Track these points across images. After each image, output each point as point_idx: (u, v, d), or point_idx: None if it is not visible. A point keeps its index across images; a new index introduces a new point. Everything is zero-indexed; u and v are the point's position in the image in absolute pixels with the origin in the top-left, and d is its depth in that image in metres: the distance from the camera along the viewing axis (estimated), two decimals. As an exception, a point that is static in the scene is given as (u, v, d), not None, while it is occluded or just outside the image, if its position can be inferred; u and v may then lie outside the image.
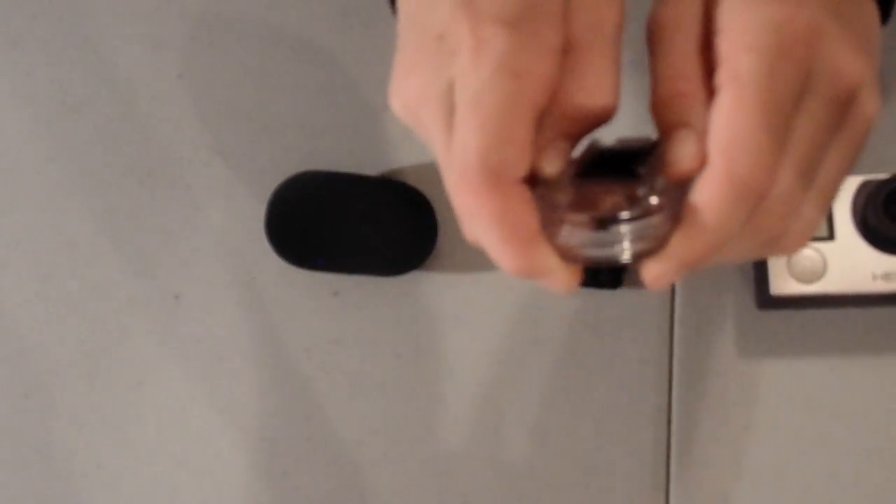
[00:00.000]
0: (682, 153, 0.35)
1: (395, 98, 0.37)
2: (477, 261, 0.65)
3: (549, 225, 0.35)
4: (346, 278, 0.66)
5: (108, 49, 0.68)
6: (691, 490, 0.62)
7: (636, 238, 0.34)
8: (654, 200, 0.34)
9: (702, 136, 0.34)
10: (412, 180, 0.65)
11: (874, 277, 0.59)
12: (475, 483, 0.63)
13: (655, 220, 0.34)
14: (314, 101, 0.66)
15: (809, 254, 0.60)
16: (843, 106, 0.36)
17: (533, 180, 0.35)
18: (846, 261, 0.59)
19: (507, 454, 0.63)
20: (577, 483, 0.63)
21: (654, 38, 0.37)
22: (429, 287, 0.65)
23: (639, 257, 0.35)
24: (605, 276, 0.63)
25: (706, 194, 0.34)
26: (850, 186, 0.60)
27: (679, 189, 0.35)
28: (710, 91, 0.35)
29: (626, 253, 0.35)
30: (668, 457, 0.63)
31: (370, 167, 0.66)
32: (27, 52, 0.70)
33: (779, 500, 0.62)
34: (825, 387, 0.62)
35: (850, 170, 0.37)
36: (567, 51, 0.35)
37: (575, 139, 0.36)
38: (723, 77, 0.34)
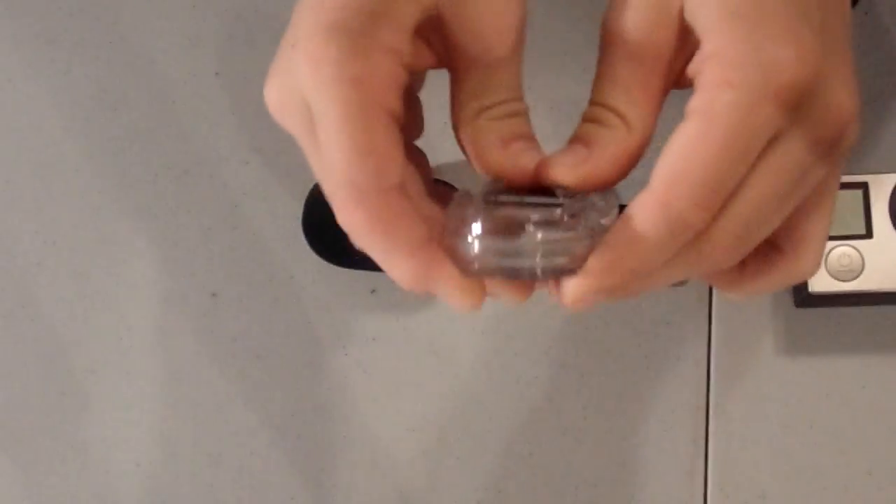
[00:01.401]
0: (558, 162, 0.33)
1: (266, 98, 0.35)
2: (515, 258, 0.65)
3: (457, 234, 0.34)
4: (384, 276, 0.65)
5: (146, 47, 0.68)
6: (729, 487, 0.62)
7: (549, 252, 0.33)
8: (566, 215, 0.33)
9: (589, 159, 0.33)
10: (449, 177, 0.65)
11: (912, 275, 0.59)
12: (512, 480, 0.63)
13: (568, 235, 0.33)
14: (351, 99, 0.66)
15: (847, 251, 0.60)
16: (827, 146, 0.33)
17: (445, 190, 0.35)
18: (884, 258, 0.59)
19: (545, 452, 0.63)
20: (615, 480, 0.63)
21: (602, 47, 0.34)
22: (466, 285, 0.65)
23: (554, 274, 0.34)
24: None
25: (638, 218, 0.31)
26: (888, 184, 0.60)
27: (598, 213, 0.34)
28: (640, 125, 0.33)
29: (538, 267, 0.33)
30: (706, 454, 0.63)
31: (408, 165, 0.66)
32: (64, 49, 0.70)
33: (816, 497, 0.62)
34: (863, 384, 0.62)
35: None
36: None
37: None
38: (694, 105, 0.31)
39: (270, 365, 0.66)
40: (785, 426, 0.62)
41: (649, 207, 0.31)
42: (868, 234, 0.60)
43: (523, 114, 0.35)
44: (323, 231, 0.66)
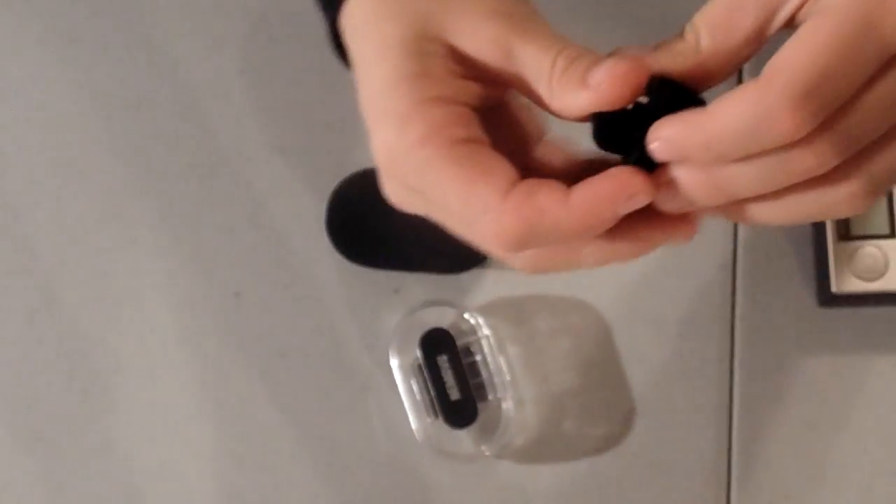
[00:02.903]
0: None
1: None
2: (539, 258, 0.65)
3: None
4: (408, 275, 0.65)
5: (169, 45, 0.68)
6: (753, 487, 0.62)
7: None
8: None
9: (643, 57, 0.34)
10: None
11: (937, 275, 0.59)
12: (537, 480, 0.63)
13: None
14: (375, 98, 0.66)
15: (871, 251, 0.60)
16: None
17: None
18: (908, 258, 0.60)
19: (569, 452, 0.64)
20: (639, 480, 0.63)
21: None
22: (490, 284, 0.65)
23: None
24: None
25: (728, 101, 0.31)
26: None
27: None
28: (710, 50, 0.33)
29: None
30: (730, 454, 0.63)
31: (431, 164, 0.66)
32: (87, 48, 0.69)
33: (840, 497, 0.62)
34: (886, 384, 0.62)
35: None
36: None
37: None
38: (815, 7, 0.31)
39: (293, 364, 0.66)
40: (808, 426, 0.62)
41: (742, 94, 0.30)
42: (892, 234, 0.60)
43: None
44: (346, 230, 0.66)
